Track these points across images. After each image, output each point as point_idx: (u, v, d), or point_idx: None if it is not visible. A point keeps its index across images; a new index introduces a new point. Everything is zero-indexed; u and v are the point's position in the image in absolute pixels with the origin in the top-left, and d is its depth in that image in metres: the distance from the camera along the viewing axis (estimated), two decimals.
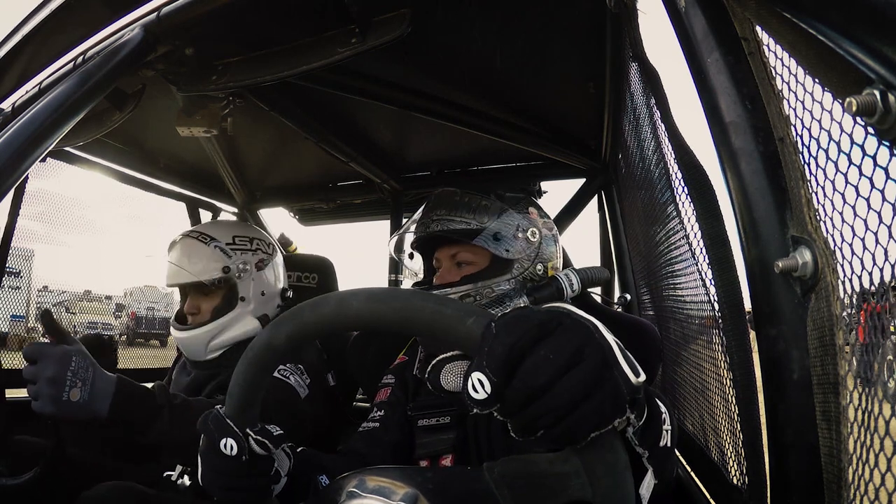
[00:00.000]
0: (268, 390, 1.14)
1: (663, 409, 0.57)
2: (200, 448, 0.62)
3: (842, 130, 0.41)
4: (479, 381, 0.39)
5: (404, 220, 1.11)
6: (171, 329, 1.39)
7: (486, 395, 0.39)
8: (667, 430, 0.57)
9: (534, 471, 0.47)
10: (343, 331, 0.51)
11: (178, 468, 1.24)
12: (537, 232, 1.02)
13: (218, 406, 0.61)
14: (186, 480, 1.21)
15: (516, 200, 1.04)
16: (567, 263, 1.20)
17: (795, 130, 0.48)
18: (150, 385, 0.98)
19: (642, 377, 0.42)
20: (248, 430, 0.59)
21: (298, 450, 0.78)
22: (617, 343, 0.43)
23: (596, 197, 1.87)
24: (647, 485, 0.53)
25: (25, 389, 0.87)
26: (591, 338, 0.41)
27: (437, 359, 0.91)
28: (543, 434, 0.39)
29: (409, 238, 1.11)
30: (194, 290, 1.35)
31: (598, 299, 1.38)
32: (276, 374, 1.19)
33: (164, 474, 1.24)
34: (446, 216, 0.99)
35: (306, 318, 0.50)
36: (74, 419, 0.86)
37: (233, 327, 1.32)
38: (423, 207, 1.06)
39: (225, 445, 0.59)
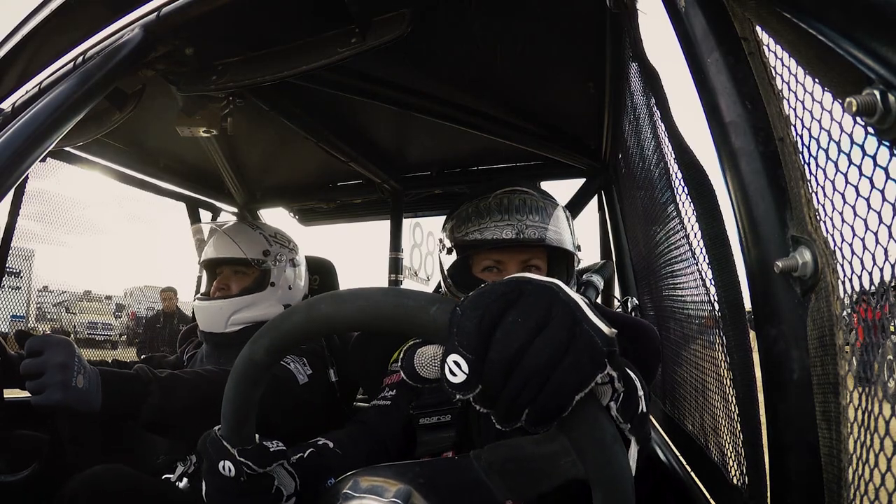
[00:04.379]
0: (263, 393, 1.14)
1: (633, 375, 0.57)
2: (203, 468, 0.63)
3: (842, 130, 0.41)
4: (456, 362, 0.38)
5: (410, 219, 1.08)
6: (195, 304, 1.45)
7: (465, 376, 0.38)
8: (641, 396, 0.57)
9: (521, 454, 0.47)
10: (317, 336, 0.51)
11: (178, 470, 1.24)
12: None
13: (216, 427, 0.61)
14: (185, 483, 1.21)
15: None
16: None
17: (795, 130, 0.48)
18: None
19: (614, 331, 0.41)
20: (237, 451, 0.59)
21: (307, 454, 0.78)
22: (583, 299, 0.42)
23: (596, 197, 1.87)
24: (633, 456, 0.53)
25: (26, 388, 0.86)
26: (556, 297, 0.40)
27: (408, 345, 0.90)
28: (529, 412, 0.38)
29: (477, 235, 1.02)
30: (229, 268, 1.43)
31: (598, 299, 1.38)
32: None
33: (163, 476, 1.24)
34: (542, 223, 1.01)
35: (281, 328, 0.51)
36: (77, 409, 0.86)
37: (258, 306, 1.39)
38: (495, 205, 1.01)
39: (223, 467, 0.59)
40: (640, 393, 0.57)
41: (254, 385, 0.55)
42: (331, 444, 0.84)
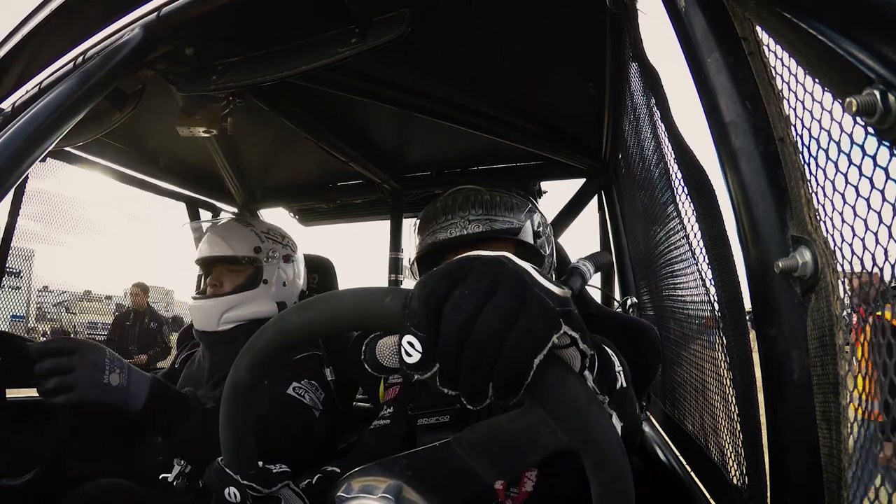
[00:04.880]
0: (282, 410, 1.15)
1: (610, 351, 0.57)
2: (213, 500, 0.63)
3: (842, 130, 0.41)
4: (409, 343, 0.38)
5: (410, 219, 1.06)
6: (190, 302, 1.45)
7: (419, 355, 0.38)
8: (619, 372, 0.56)
9: (500, 433, 0.46)
10: (292, 346, 0.52)
11: (175, 470, 1.24)
12: (549, 226, 1.08)
13: (219, 458, 0.62)
14: (184, 482, 1.21)
15: (526, 198, 1.08)
16: (566, 261, 1.20)
17: (795, 130, 0.48)
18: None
19: (568, 291, 0.40)
20: (239, 476, 0.60)
21: (315, 480, 0.78)
22: (534, 267, 0.41)
23: (596, 197, 1.87)
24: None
25: (46, 387, 0.87)
26: (503, 267, 0.39)
27: (369, 338, 0.89)
28: (493, 384, 0.37)
29: (428, 239, 1.03)
30: (221, 266, 1.43)
31: (598, 299, 1.38)
32: (291, 392, 1.21)
33: (161, 476, 1.24)
34: (485, 216, 0.98)
35: (257, 347, 0.52)
36: (114, 404, 0.88)
37: (251, 304, 1.39)
38: (440, 208, 1.02)
39: (229, 494, 0.60)
40: (619, 369, 0.56)
41: (243, 407, 0.56)
42: (338, 470, 0.85)
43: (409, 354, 0.38)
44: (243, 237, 1.43)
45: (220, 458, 0.62)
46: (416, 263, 1.07)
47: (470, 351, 0.37)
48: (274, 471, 0.63)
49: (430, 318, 0.38)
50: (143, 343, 5.57)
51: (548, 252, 1.03)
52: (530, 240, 1.00)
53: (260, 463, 0.63)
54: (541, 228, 1.03)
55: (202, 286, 1.48)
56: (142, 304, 5.92)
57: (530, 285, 0.38)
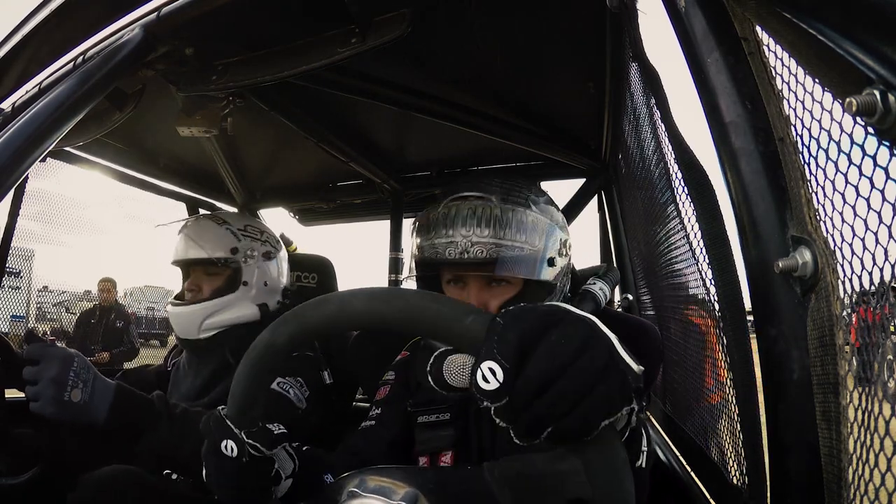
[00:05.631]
0: (266, 403, 1.13)
1: (643, 433, 0.59)
2: (203, 448, 0.63)
3: (842, 130, 0.41)
4: (491, 369, 0.38)
5: (410, 219, 0.98)
6: (168, 307, 1.39)
7: (497, 385, 0.38)
8: (643, 451, 0.59)
9: (533, 471, 0.47)
10: (344, 331, 0.51)
11: None
12: (568, 240, 0.96)
13: (220, 407, 0.61)
14: (187, 479, 1.21)
15: (548, 202, 0.96)
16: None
17: (795, 130, 0.48)
18: (151, 395, 0.98)
19: (642, 368, 0.43)
20: (243, 433, 0.60)
21: (304, 449, 0.78)
22: (615, 337, 0.43)
23: (596, 197, 1.87)
24: None
25: (24, 391, 0.87)
26: (595, 328, 0.41)
27: (437, 352, 0.86)
28: (553, 430, 0.38)
29: (425, 252, 0.91)
30: (198, 269, 1.36)
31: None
32: (275, 386, 1.19)
33: (164, 472, 1.24)
34: (493, 238, 0.84)
35: (308, 318, 0.51)
36: (74, 420, 0.86)
37: (231, 308, 1.32)
38: (441, 218, 0.88)
39: (226, 447, 0.60)
40: (644, 448, 0.60)
41: (269, 369, 0.56)
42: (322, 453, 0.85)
43: (486, 381, 0.38)
44: (218, 236, 1.34)
45: (221, 408, 0.61)
46: (415, 267, 0.98)
47: (549, 398, 0.38)
48: (275, 432, 0.63)
49: (520, 352, 0.38)
50: (108, 342, 5.18)
51: (560, 275, 0.93)
52: (540, 274, 0.88)
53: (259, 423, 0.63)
54: (556, 250, 0.91)
55: (182, 289, 1.42)
56: (110, 300, 5.49)
57: (616, 355, 0.40)
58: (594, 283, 0.99)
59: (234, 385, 0.58)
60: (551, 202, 1.00)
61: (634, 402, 0.41)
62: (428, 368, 0.82)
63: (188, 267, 1.39)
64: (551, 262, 0.90)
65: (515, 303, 0.91)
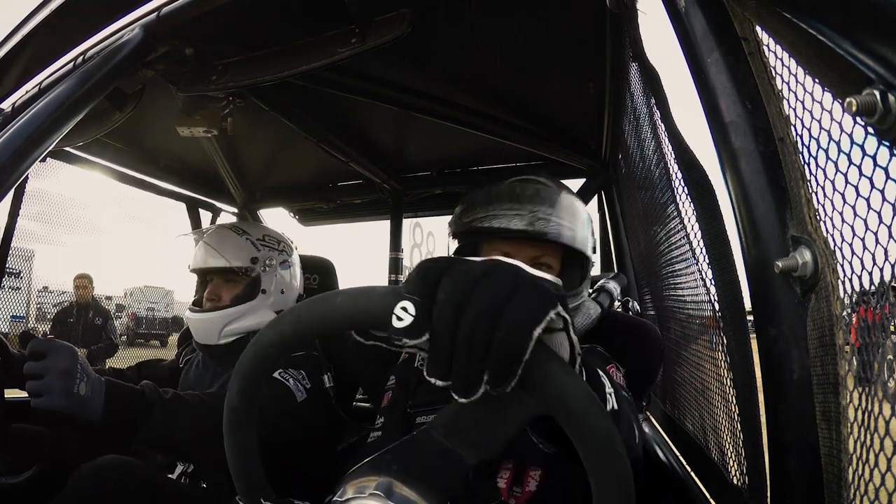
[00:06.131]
0: (265, 389, 1.13)
1: (601, 373, 0.57)
2: None
3: (842, 130, 0.41)
4: (403, 308, 0.38)
5: (410, 219, 1.03)
6: (187, 314, 1.42)
7: (411, 318, 0.37)
8: (609, 394, 0.57)
9: (471, 410, 0.46)
10: (277, 358, 0.52)
11: (178, 470, 1.24)
12: (596, 241, 1.04)
13: (237, 496, 0.61)
14: (186, 482, 1.21)
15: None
16: None
17: (795, 130, 0.48)
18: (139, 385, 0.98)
19: (560, 281, 0.42)
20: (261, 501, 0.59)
21: None
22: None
23: (596, 197, 1.87)
24: None
25: (26, 389, 0.86)
26: (497, 259, 0.41)
27: None
28: (488, 366, 0.36)
29: (482, 222, 0.94)
30: (218, 278, 1.39)
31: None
32: (276, 375, 1.20)
33: (162, 468, 1.24)
34: (555, 217, 0.91)
35: (244, 368, 0.51)
36: (79, 415, 0.85)
37: (250, 316, 1.36)
38: (506, 192, 0.94)
39: None
40: (609, 391, 0.57)
41: (241, 430, 0.55)
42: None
43: (399, 319, 0.38)
44: (239, 246, 1.38)
45: (237, 497, 0.60)
46: (456, 237, 1.02)
47: (468, 317, 0.36)
48: (295, 502, 0.63)
49: (427, 283, 0.38)
50: (87, 340, 5.01)
51: (590, 269, 1.01)
52: (591, 256, 0.97)
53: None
54: (594, 245, 0.99)
55: (198, 295, 1.44)
56: (87, 297, 5.28)
57: (524, 273, 0.39)
58: (608, 282, 1.09)
59: (229, 462, 0.57)
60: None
61: (560, 307, 0.38)
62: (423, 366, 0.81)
63: (207, 275, 1.42)
64: (594, 249, 1.00)
65: (568, 288, 0.95)
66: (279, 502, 0.60)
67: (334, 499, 0.51)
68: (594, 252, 1.01)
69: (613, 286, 1.07)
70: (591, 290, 1.10)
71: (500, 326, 0.36)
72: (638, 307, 1.61)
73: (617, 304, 1.70)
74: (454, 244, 1.04)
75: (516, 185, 0.96)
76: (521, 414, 0.43)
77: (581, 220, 0.96)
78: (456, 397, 0.38)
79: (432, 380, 0.39)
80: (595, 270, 1.10)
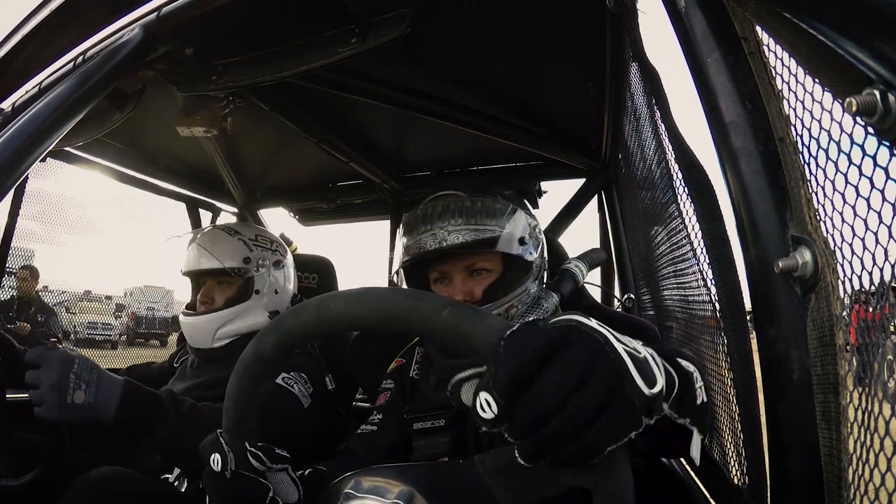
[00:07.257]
0: (270, 398, 1.12)
1: (690, 368, 0.58)
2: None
3: (842, 130, 0.40)
4: (486, 401, 0.39)
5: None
6: (181, 318, 1.40)
7: (493, 416, 0.38)
8: (700, 388, 0.58)
9: None
10: (325, 336, 0.51)
11: (176, 471, 1.24)
12: (537, 226, 1.03)
13: (219, 430, 0.61)
14: (185, 484, 1.21)
15: (513, 198, 1.04)
16: (564, 258, 1.19)
17: (795, 130, 0.48)
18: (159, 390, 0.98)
19: (658, 385, 0.40)
20: (246, 445, 0.59)
21: (307, 472, 0.76)
22: (629, 352, 0.41)
23: (596, 197, 1.87)
24: (696, 444, 0.55)
25: (28, 393, 0.87)
26: (600, 353, 0.39)
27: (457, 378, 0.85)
28: (553, 458, 0.38)
29: (410, 251, 0.98)
30: (211, 280, 1.37)
31: (598, 297, 1.38)
32: (280, 381, 1.19)
33: (162, 477, 1.24)
34: (465, 225, 0.93)
35: (290, 326, 0.51)
36: (79, 422, 0.85)
37: (244, 317, 1.34)
38: (420, 216, 0.97)
39: (213, 460, 0.59)
40: (698, 385, 0.58)
41: (258, 381, 0.55)
42: (325, 469, 0.84)
43: (483, 410, 0.39)
44: (232, 247, 1.36)
45: (219, 430, 0.61)
46: (401, 272, 1.04)
47: (545, 433, 0.37)
48: (277, 450, 0.62)
49: (514, 391, 0.38)
50: (29, 341, 4.56)
51: (535, 255, 0.99)
52: (513, 249, 0.96)
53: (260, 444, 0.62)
54: (527, 232, 0.99)
55: (192, 300, 1.42)
56: (30, 291, 4.71)
57: (622, 381, 0.39)
58: (570, 263, 1.05)
59: (226, 399, 0.57)
60: (516, 196, 1.07)
61: (645, 421, 0.39)
62: (450, 390, 0.81)
63: (200, 277, 1.40)
64: (522, 241, 0.97)
65: (498, 287, 0.95)
66: (265, 448, 0.60)
67: (347, 489, 0.50)
68: (532, 237, 1.00)
69: (576, 266, 1.04)
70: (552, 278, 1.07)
71: (579, 441, 0.37)
72: (633, 297, 1.61)
73: (617, 304, 1.71)
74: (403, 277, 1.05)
75: (428, 206, 0.99)
76: (567, 481, 0.43)
77: (503, 218, 0.96)
78: (518, 456, 0.40)
79: (507, 435, 0.40)
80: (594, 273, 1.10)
